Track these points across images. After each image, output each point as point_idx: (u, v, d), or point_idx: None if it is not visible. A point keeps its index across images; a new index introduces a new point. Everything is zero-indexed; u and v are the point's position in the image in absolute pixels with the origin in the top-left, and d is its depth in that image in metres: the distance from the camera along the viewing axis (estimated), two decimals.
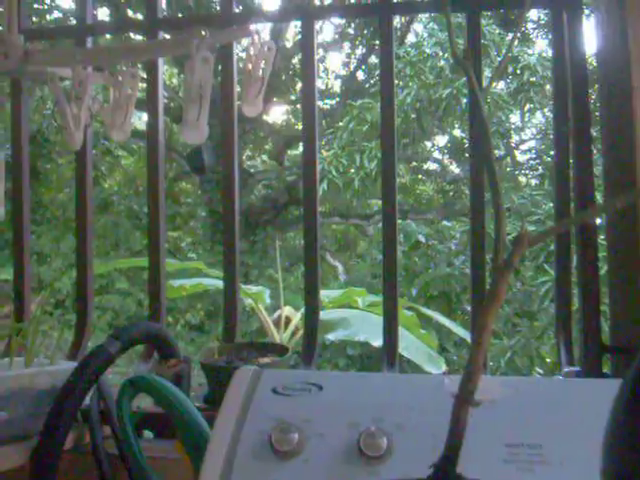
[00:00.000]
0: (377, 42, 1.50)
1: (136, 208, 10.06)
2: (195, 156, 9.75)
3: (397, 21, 9.00)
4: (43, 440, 1.08)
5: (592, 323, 1.26)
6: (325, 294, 4.40)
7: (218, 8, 1.61)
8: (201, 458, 0.79)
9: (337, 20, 10.97)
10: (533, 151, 9.39)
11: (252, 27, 1.13)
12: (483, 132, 0.49)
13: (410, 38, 9.78)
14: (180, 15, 9.38)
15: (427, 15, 7.46)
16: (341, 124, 8.37)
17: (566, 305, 1.35)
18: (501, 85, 7.85)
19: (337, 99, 11.23)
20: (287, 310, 3.65)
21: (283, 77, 10.75)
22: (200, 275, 4.69)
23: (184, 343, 8.70)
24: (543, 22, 8.60)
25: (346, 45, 11.31)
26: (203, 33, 1.03)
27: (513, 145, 9.46)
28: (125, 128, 1.20)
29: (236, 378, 0.87)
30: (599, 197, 1.53)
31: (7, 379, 1.14)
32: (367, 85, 10.65)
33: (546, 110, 8.15)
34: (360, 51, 11.34)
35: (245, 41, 1.21)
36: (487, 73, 6.40)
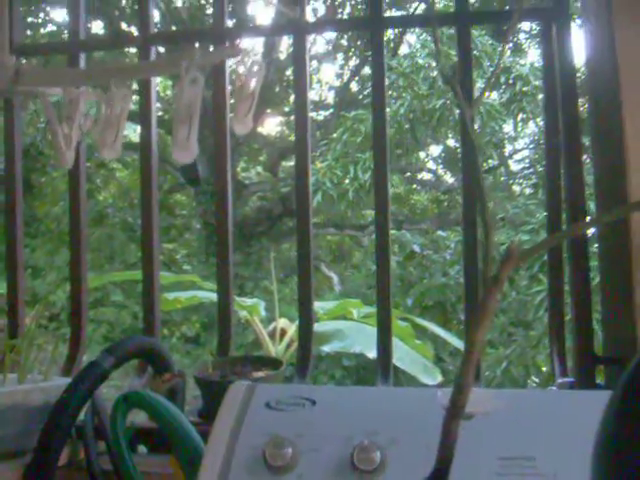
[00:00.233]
0: (370, 53, 1.51)
1: (131, 220, 10.06)
2: (189, 168, 9.76)
3: (390, 32, 9.04)
4: (37, 457, 1.07)
5: (584, 334, 1.27)
6: (320, 306, 4.39)
7: (212, 21, 1.62)
8: (195, 473, 0.79)
9: (329, 34, 11.02)
10: (527, 160, 9.43)
11: (242, 45, 1.14)
12: (471, 151, 0.49)
13: (403, 49, 9.84)
14: (174, 28, 9.42)
15: None
16: (335, 135, 8.40)
17: (559, 316, 1.36)
18: (494, 95, 7.89)
19: (331, 110, 11.26)
20: (282, 322, 3.64)
21: (277, 89, 10.78)
22: (195, 288, 4.68)
23: (180, 355, 8.68)
24: (535, 32, 8.66)
25: (339, 56, 11.36)
26: (192, 53, 1.04)
27: (507, 155, 9.50)
28: (116, 146, 1.20)
29: (230, 393, 0.88)
30: (593, 206, 1.54)
31: (0, 396, 1.14)
32: (361, 96, 10.69)
33: (539, 120, 8.19)
34: (353, 62, 11.39)
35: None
36: (480, 84, 6.44)
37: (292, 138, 10.44)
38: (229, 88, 1.49)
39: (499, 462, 0.74)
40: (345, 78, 11.43)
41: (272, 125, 12.21)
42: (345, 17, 10.22)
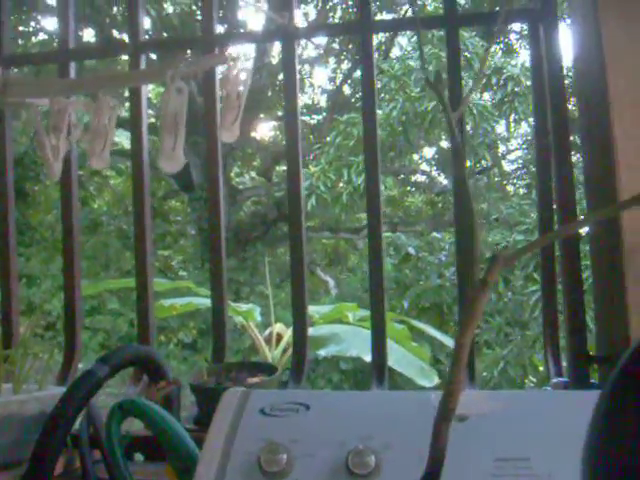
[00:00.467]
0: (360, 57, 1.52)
1: (125, 228, 10.05)
2: (183, 174, 9.76)
3: (381, 35, 9.06)
4: (32, 466, 1.07)
5: (578, 334, 1.27)
6: (316, 310, 4.39)
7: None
8: None
9: (319, 40, 11.04)
10: (520, 161, 9.45)
11: (230, 52, 1.14)
12: (457, 156, 0.49)
13: (395, 51, 9.86)
14: (165, 34, 9.42)
15: None
16: (328, 139, 8.40)
17: (553, 316, 1.36)
18: (486, 96, 7.91)
19: (324, 114, 11.27)
20: (278, 327, 3.65)
21: (269, 93, 10.79)
22: (190, 294, 4.68)
23: (177, 362, 8.66)
24: (526, 33, 8.68)
25: (331, 60, 11.38)
26: (178, 63, 1.04)
27: (500, 155, 9.52)
28: (104, 156, 1.20)
29: (224, 400, 0.88)
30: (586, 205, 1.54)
31: None
32: (353, 99, 10.70)
33: (531, 120, 8.21)
34: (346, 65, 11.41)
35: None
36: (471, 85, 6.46)
37: None
38: (219, 94, 1.50)
39: (494, 463, 0.74)
40: (337, 81, 11.44)
41: (265, 130, 12.23)
42: (337, 20, 10.25)
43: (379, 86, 7.30)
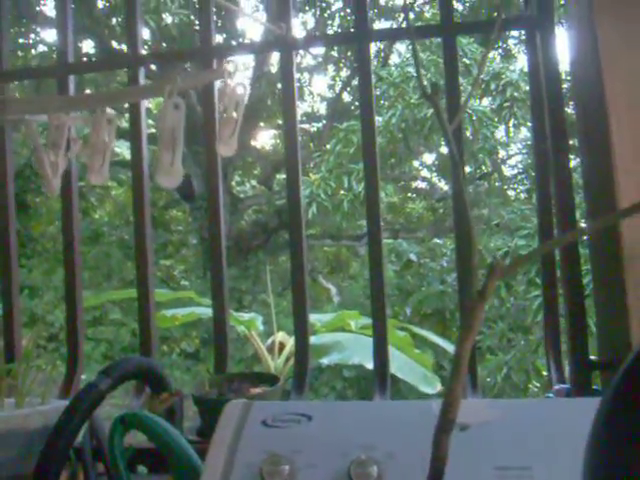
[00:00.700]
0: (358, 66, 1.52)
1: (127, 238, 10.06)
2: (184, 184, 9.77)
3: (379, 43, 9.08)
4: None
5: (579, 340, 1.27)
6: (318, 318, 4.40)
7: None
8: None
9: (317, 50, 11.07)
10: (520, 166, 9.46)
11: (226, 66, 1.15)
12: (455, 169, 0.50)
13: (393, 58, 9.88)
14: (164, 45, 9.45)
15: None
16: (328, 147, 8.41)
17: (554, 322, 1.36)
18: (485, 102, 7.92)
19: (323, 122, 11.29)
20: (280, 336, 3.64)
21: (269, 102, 10.82)
22: (193, 304, 4.69)
23: (180, 372, 8.66)
24: (524, 38, 8.69)
25: (330, 68, 11.41)
26: (175, 78, 1.04)
27: (500, 160, 9.52)
28: (103, 171, 1.21)
29: (226, 411, 0.88)
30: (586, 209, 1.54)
31: None
32: (353, 107, 10.72)
33: (530, 125, 8.21)
34: (344, 73, 11.43)
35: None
36: (470, 91, 6.46)
37: None
38: (218, 106, 1.50)
39: (495, 472, 0.74)
40: (337, 89, 11.47)
41: (265, 138, 12.26)
42: (335, 29, 10.27)
43: (378, 93, 7.31)
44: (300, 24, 10.31)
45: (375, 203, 1.46)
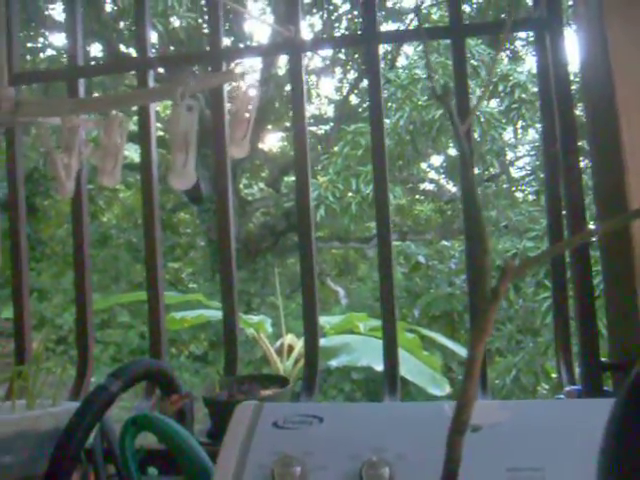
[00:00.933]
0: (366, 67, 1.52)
1: (135, 241, 10.08)
2: (192, 187, 9.77)
3: (387, 45, 9.07)
4: None
5: (590, 341, 1.27)
6: (327, 320, 4.40)
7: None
8: None
9: (324, 52, 11.07)
10: (528, 167, 9.42)
11: (236, 69, 1.15)
12: (466, 167, 0.50)
13: (401, 60, 9.87)
14: (172, 48, 9.48)
15: None
16: (336, 149, 8.41)
17: (564, 324, 1.36)
18: (493, 103, 7.90)
19: (331, 124, 11.29)
20: (289, 338, 3.65)
21: (277, 104, 10.82)
22: (200, 307, 4.69)
23: (188, 374, 8.66)
24: (532, 39, 8.68)
25: (338, 70, 11.41)
26: (187, 80, 1.05)
27: (508, 162, 9.50)
28: (115, 173, 1.21)
29: (237, 413, 0.88)
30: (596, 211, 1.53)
31: (10, 423, 1.15)
32: (360, 109, 10.71)
33: (539, 127, 8.19)
34: (352, 75, 11.43)
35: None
36: (479, 93, 6.46)
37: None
38: (228, 109, 1.51)
39: (508, 473, 0.74)
40: (344, 91, 11.46)
41: (273, 141, 12.26)
42: (343, 31, 10.27)
43: (386, 95, 7.31)
44: (307, 27, 10.32)
45: (384, 205, 1.46)
